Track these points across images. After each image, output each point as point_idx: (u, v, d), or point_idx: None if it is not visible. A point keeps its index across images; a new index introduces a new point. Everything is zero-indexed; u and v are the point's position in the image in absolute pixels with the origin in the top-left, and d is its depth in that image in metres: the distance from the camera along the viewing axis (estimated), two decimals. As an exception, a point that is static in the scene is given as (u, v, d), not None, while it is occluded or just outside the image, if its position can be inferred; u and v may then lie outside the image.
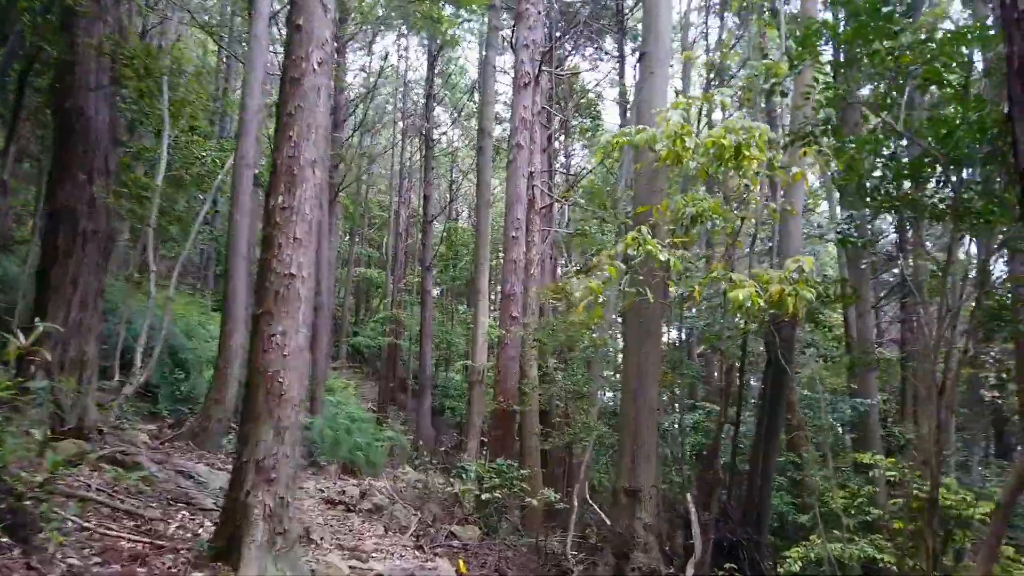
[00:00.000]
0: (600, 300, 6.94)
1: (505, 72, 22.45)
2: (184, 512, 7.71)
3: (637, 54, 21.00)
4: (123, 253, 17.62)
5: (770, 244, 11.76)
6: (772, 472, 10.18)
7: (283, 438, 6.28)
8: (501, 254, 27.49)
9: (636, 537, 8.91)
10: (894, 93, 7.93)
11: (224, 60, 23.62)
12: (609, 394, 17.75)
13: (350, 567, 7.42)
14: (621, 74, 20.85)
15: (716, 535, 9.43)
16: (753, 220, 7.88)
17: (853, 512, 11.03)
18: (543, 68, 15.52)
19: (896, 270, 21.70)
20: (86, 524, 6.49)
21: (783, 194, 9.88)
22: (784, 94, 7.46)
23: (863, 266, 12.38)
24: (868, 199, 8.71)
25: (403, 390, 27.83)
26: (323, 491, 12.14)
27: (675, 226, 8.10)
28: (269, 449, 6.21)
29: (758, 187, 6.89)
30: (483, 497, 8.95)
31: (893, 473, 10.85)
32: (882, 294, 20.22)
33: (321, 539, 8.49)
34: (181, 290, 20.82)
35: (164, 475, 8.21)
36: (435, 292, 31.73)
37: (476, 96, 25.53)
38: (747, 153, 6.51)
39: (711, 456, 9.96)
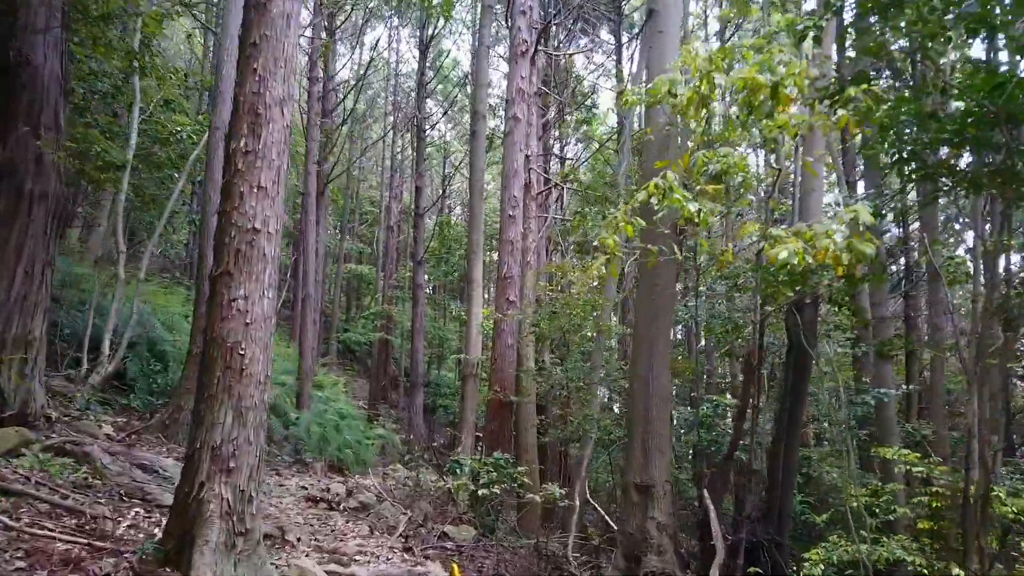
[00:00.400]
0: (612, 260, 5.91)
1: (501, 57, 21.47)
2: (138, 509, 6.64)
3: (638, 28, 20.18)
4: (101, 241, 16.53)
5: (786, 224, 10.77)
6: (794, 468, 9.16)
7: (244, 420, 5.23)
8: (495, 249, 26.56)
9: (649, 538, 7.88)
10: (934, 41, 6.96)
11: (210, 47, 22.53)
12: (604, 392, 16.73)
13: (327, 572, 6.36)
14: (618, 59, 19.87)
15: (735, 536, 8.41)
16: (776, 177, 6.86)
17: (877, 511, 10.03)
18: (539, 47, 14.53)
19: (892, 268, 20.73)
20: (12, 522, 5.43)
21: (797, 165, 8.89)
22: (818, 39, 6.45)
23: (884, 248, 11.37)
24: (904, 167, 7.73)
25: (394, 388, 26.73)
26: (306, 488, 11.07)
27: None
28: (228, 433, 5.16)
29: (796, 136, 5.88)
30: (479, 493, 7.88)
31: (921, 469, 9.84)
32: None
33: (297, 540, 7.42)
34: (164, 283, 19.74)
35: (118, 468, 7.13)
36: (428, 290, 30.71)
37: (468, 89, 24.60)
38: (785, 93, 5.52)
39: (730, 450, 8.92)
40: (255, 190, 5.40)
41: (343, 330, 29.32)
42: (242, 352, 5.24)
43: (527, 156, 13.57)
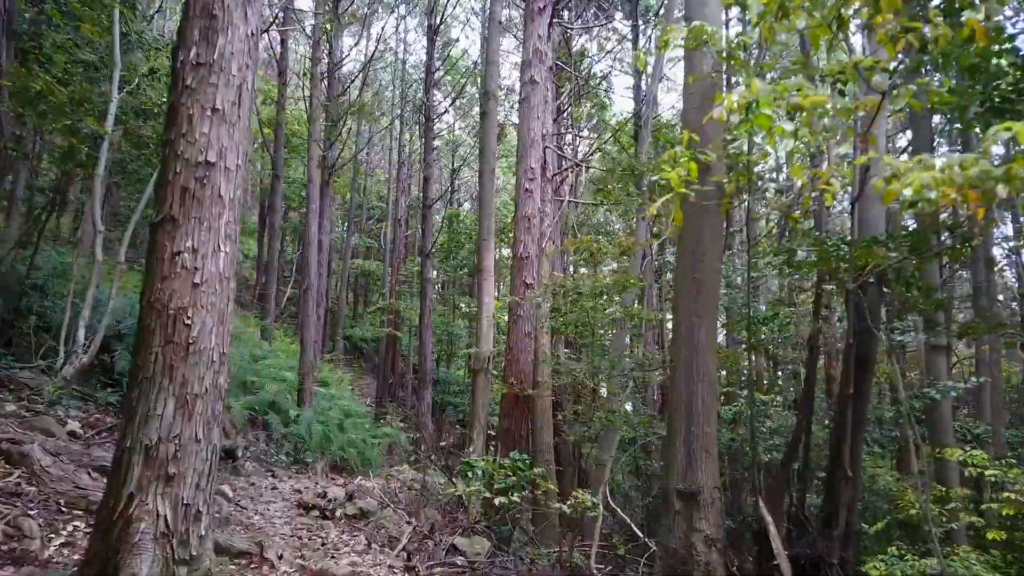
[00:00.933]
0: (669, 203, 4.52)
1: (514, 36, 20.11)
2: (79, 523, 5.27)
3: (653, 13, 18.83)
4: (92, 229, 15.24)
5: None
6: (859, 472, 7.74)
7: (191, 411, 3.86)
8: (506, 243, 25.15)
9: (695, 554, 6.46)
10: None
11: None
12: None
13: (309, 601, 4.99)
14: (635, 43, 18.46)
15: (793, 550, 7.01)
16: (880, 105, 5.41)
17: (944, 520, 8.61)
18: (555, 20, 13.15)
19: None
20: None
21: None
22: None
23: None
24: (998, 116, 6.32)
25: (402, 385, 25.34)
26: (300, 492, 9.69)
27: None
28: (167, 429, 3.80)
29: (902, 46, 4.48)
30: (497, 502, 6.49)
31: (995, 473, 8.39)
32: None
33: (279, 557, 6.05)
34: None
35: (60, 471, 5.76)
36: (437, 285, 29.32)
37: (478, 81, 23.30)
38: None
39: (789, 452, 7.51)
40: (208, 113, 4.05)
41: (350, 326, 27.96)
42: (188, 321, 3.88)
43: (543, 135, 12.17)
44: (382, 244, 29.98)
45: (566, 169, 14.16)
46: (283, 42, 20.67)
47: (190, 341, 3.87)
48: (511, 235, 23.23)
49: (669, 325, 16.97)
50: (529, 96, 10.86)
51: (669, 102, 25.81)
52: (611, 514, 11.26)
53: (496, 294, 23.71)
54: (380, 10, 25.19)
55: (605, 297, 9.71)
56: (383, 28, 24.38)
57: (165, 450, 3.76)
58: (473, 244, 25.20)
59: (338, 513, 8.24)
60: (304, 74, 21.69)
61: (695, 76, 7.20)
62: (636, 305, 10.08)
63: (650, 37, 19.28)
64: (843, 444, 7.65)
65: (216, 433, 4.01)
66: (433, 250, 22.70)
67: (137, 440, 3.76)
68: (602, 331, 10.46)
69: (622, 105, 22.88)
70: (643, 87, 18.56)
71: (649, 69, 18.00)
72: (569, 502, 6.54)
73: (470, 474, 7.54)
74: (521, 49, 12.25)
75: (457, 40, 26.51)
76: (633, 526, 10.68)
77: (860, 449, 7.70)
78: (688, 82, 7.39)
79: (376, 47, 22.50)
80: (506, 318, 16.63)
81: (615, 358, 9.79)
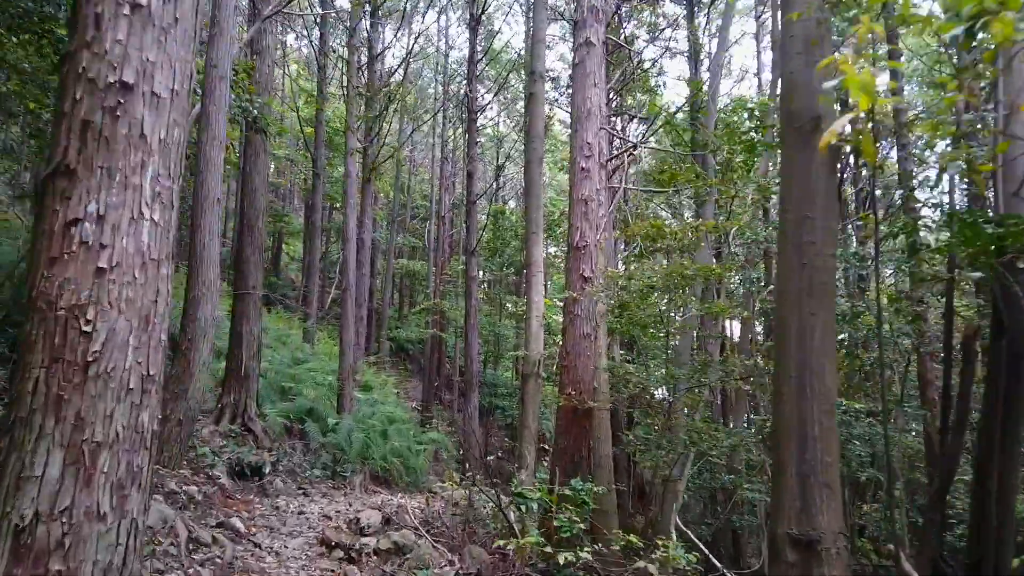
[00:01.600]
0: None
1: (561, 16, 18.53)
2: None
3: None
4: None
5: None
6: (1012, 499, 5.97)
7: (89, 469, 2.40)
8: (558, 241, 23.59)
9: (819, 622, 4.79)
10: None
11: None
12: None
13: None
14: (690, 19, 16.69)
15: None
16: None
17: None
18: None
19: None
20: None
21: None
22: None
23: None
24: None
25: (449, 388, 23.95)
26: (329, 518, 8.28)
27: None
28: (50, 498, 2.34)
29: None
30: (561, 559, 4.90)
31: None
32: None
33: (284, 625, 4.59)
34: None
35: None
36: (483, 284, 27.91)
37: (523, 74, 21.79)
38: None
39: (940, 490, 5.78)
40: (125, 11, 2.57)
41: (395, 327, 26.71)
42: (87, 327, 2.41)
43: (600, 107, 10.52)
44: (426, 243, 28.68)
45: (621, 152, 12.49)
46: (322, 36, 19.49)
47: (90, 359, 2.41)
48: (559, 230, 21.68)
49: (725, 321, 15.16)
50: (584, 60, 9.25)
51: (723, 88, 23.83)
52: (680, 536, 9.64)
53: (544, 292, 22.18)
54: (421, 3, 23.88)
55: (678, 292, 8.07)
56: (423, 18, 23.00)
57: (46, 534, 2.31)
58: (519, 242, 23.69)
59: (368, 550, 6.76)
60: (340, 58, 20.43)
61: (798, 12, 5.57)
62: (717, 301, 8.40)
63: (707, 14, 17.56)
64: (990, 468, 5.93)
65: (137, 501, 2.53)
66: (478, 248, 21.27)
67: (4, 517, 2.32)
68: (673, 332, 8.80)
69: (674, 93, 21.01)
70: (698, 72, 16.87)
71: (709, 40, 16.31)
72: (655, 555, 4.92)
73: (523, 508, 5.99)
74: (574, 10, 10.61)
75: (499, 31, 24.99)
76: (711, 556, 9.04)
77: (1016, 475, 5.96)
78: (789, 21, 5.75)
79: (416, 39, 21.20)
80: (557, 318, 15.02)
81: (695, 365, 8.14)
